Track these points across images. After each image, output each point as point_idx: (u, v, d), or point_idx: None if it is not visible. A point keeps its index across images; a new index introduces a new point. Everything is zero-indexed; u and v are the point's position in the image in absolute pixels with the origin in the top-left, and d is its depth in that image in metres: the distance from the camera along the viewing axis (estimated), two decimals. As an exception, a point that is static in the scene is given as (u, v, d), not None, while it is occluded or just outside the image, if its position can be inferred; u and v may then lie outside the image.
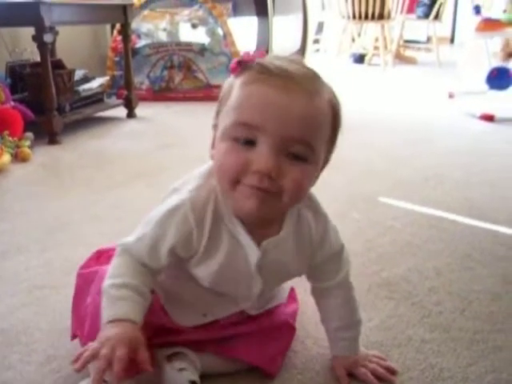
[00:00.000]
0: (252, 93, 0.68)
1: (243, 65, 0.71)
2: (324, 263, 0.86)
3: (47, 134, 2.47)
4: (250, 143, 0.68)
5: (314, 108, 0.69)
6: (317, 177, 0.77)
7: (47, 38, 2.38)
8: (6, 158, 2.10)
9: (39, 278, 1.24)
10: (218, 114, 0.75)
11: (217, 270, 0.78)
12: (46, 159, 2.24)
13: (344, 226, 1.55)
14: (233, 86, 0.71)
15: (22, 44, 2.89)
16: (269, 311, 0.93)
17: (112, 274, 0.76)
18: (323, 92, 0.71)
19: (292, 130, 0.67)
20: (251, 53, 0.73)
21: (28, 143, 2.31)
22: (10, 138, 2.24)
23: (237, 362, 0.88)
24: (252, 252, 0.78)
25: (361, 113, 3.21)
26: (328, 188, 1.84)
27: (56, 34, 2.93)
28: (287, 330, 0.96)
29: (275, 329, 0.92)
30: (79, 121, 2.73)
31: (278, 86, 0.67)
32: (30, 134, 2.39)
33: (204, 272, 0.79)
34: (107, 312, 0.73)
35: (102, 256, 0.97)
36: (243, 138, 0.68)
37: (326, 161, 0.77)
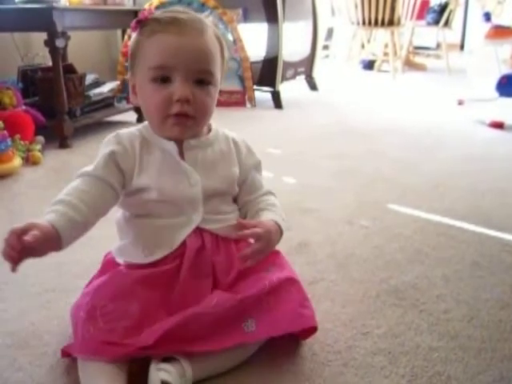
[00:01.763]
0: (157, 42, 0.89)
1: (141, 23, 0.92)
2: (252, 171, 1.05)
3: (58, 137, 2.49)
4: (166, 80, 0.89)
5: (205, 42, 0.90)
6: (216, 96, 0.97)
7: (59, 42, 2.40)
8: (17, 161, 2.12)
9: (49, 282, 1.25)
10: (131, 67, 0.95)
11: (157, 174, 0.93)
12: (56, 163, 2.26)
13: (352, 233, 1.57)
14: (139, 42, 0.92)
15: (34, 48, 2.91)
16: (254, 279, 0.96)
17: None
18: (208, 29, 0.93)
19: (195, 62, 0.89)
20: (145, 12, 0.93)
21: (39, 147, 2.33)
22: (22, 142, 2.26)
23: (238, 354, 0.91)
24: (172, 147, 0.95)
25: (370, 120, 3.22)
26: (337, 195, 1.85)
27: (68, 38, 2.96)
28: (290, 284, 0.97)
29: (276, 291, 0.94)
30: (90, 125, 2.74)
31: (175, 32, 0.88)
32: (40, 138, 2.42)
33: (148, 179, 0.93)
34: None
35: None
36: (160, 77, 0.89)
37: (219, 81, 0.97)
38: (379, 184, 1.99)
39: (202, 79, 0.90)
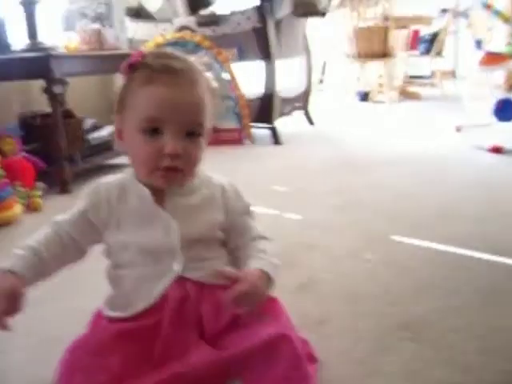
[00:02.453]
0: (149, 93, 0.86)
1: (132, 67, 0.90)
2: (241, 216, 1.01)
3: (58, 183, 2.49)
4: (156, 132, 0.86)
5: (197, 94, 0.89)
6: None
7: (57, 89, 2.42)
8: (18, 208, 2.11)
9: (51, 331, 1.22)
10: (119, 111, 0.92)
11: (133, 226, 0.92)
12: (57, 209, 2.21)
13: (357, 268, 1.55)
14: (129, 89, 0.89)
15: (33, 95, 2.93)
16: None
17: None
18: (201, 79, 0.91)
19: (186, 115, 0.88)
20: (137, 55, 0.91)
21: (39, 193, 2.32)
22: (22, 189, 2.26)
23: None
24: (145, 193, 0.92)
25: (369, 151, 3.22)
26: (341, 229, 1.84)
27: (66, 84, 2.98)
28: (282, 342, 0.83)
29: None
30: (90, 169, 2.75)
31: (168, 83, 0.86)
32: (41, 184, 2.41)
33: (124, 234, 0.92)
34: None
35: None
36: (150, 128, 0.86)
37: (209, 129, 0.95)
38: (382, 216, 1.97)
39: (193, 132, 0.89)
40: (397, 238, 1.74)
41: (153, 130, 0.87)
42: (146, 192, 0.92)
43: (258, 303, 0.89)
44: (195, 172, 0.95)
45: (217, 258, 0.96)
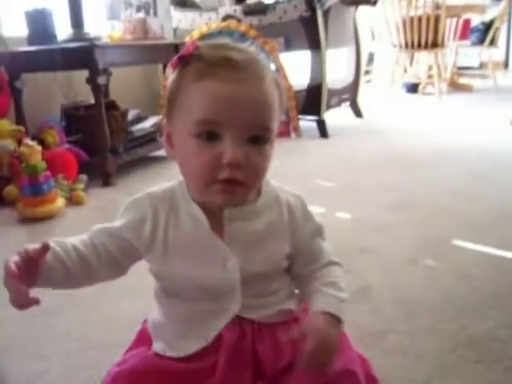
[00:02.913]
0: (205, 89, 0.71)
1: (184, 59, 0.74)
2: (310, 240, 0.84)
3: (101, 175, 2.45)
4: (213, 137, 0.71)
5: (264, 92, 0.73)
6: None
7: (101, 80, 2.37)
8: (61, 202, 2.07)
9: (92, 336, 1.16)
10: (168, 113, 0.77)
11: (184, 255, 0.78)
12: (99, 202, 2.21)
13: (417, 274, 1.44)
14: (181, 85, 0.74)
15: (76, 86, 2.91)
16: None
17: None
18: (267, 74, 0.75)
19: (250, 117, 0.71)
20: (189, 46, 0.75)
21: (82, 186, 2.29)
22: (65, 182, 2.23)
23: None
24: (201, 217, 0.78)
25: (420, 145, 3.08)
26: (395, 230, 1.73)
27: (109, 75, 2.95)
28: (347, 379, 0.76)
29: None
30: (133, 161, 2.70)
31: (228, 79, 0.70)
32: (83, 177, 2.38)
33: (174, 264, 0.78)
34: None
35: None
36: (207, 132, 0.71)
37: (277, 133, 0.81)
38: (440, 217, 1.85)
39: (258, 137, 0.73)
40: (458, 242, 1.62)
41: (209, 135, 0.71)
42: (202, 216, 0.77)
43: (334, 357, 0.74)
44: (258, 186, 0.79)
45: (278, 290, 0.83)
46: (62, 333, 1.20)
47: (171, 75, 0.76)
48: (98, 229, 0.80)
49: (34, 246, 0.70)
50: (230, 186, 0.72)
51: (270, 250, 0.80)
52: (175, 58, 0.75)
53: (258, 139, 0.73)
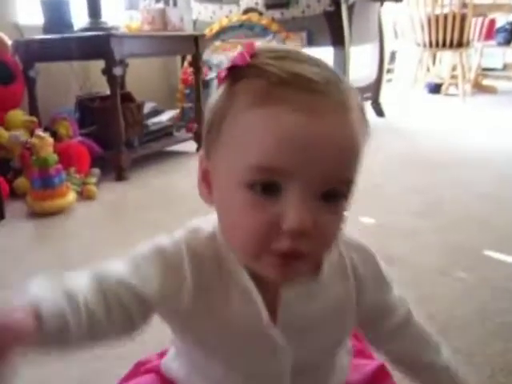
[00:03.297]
0: (268, 121, 0.48)
1: (236, 70, 0.51)
2: (378, 305, 0.65)
3: (115, 169, 2.37)
4: (272, 190, 0.49)
5: (350, 130, 0.50)
6: None
7: (117, 71, 2.30)
8: (72, 196, 1.99)
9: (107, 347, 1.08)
10: (208, 142, 0.54)
11: (224, 334, 0.58)
12: (112, 197, 2.13)
13: (448, 287, 1.33)
14: (230, 108, 0.51)
15: (91, 77, 2.83)
16: None
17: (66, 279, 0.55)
18: (353, 101, 0.51)
19: (330, 167, 0.49)
20: (245, 54, 0.52)
21: (94, 180, 2.21)
22: (77, 175, 2.15)
23: None
24: (256, 299, 0.57)
25: (446, 148, 2.96)
26: (423, 237, 1.62)
27: (126, 66, 2.87)
28: None
29: None
30: (148, 156, 2.62)
31: (303, 108, 0.47)
32: (96, 170, 2.30)
33: (209, 335, 0.59)
34: None
35: (140, 370, 0.73)
36: (263, 184, 0.49)
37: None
38: (470, 225, 1.74)
39: (335, 192, 0.51)
40: (490, 252, 1.51)
41: (267, 187, 0.49)
42: (257, 298, 0.57)
43: None
44: (326, 256, 0.57)
45: (335, 365, 0.67)
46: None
47: (216, 92, 0.54)
48: (110, 274, 0.55)
49: (20, 316, 0.44)
50: (290, 260, 0.50)
51: (332, 335, 0.62)
52: (224, 69, 0.53)
53: (335, 195, 0.51)
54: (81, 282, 0.53)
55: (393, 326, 0.66)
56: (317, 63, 0.51)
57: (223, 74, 0.52)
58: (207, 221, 0.59)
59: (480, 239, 1.60)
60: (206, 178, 0.56)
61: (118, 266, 0.56)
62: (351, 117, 0.50)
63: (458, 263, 1.44)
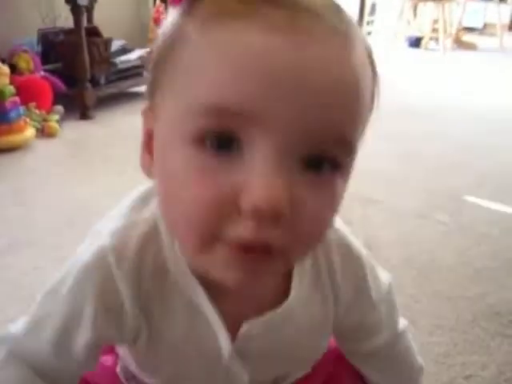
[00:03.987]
0: (226, 43, 0.33)
1: None
2: (361, 322, 0.52)
3: (79, 107, 2.23)
4: (229, 146, 0.33)
5: (352, 70, 0.34)
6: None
7: (81, 0, 2.13)
8: (30, 132, 1.86)
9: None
10: (153, 88, 0.38)
11: (172, 361, 0.46)
12: (75, 136, 2.00)
13: (428, 231, 1.26)
14: (182, 33, 0.35)
15: (56, 10, 2.65)
16: None
17: None
18: (358, 36, 0.36)
19: (316, 115, 0.32)
20: None
21: (57, 117, 2.07)
22: (37, 111, 2.01)
23: None
24: (222, 338, 0.45)
25: (426, 98, 2.88)
26: (402, 182, 1.55)
27: (94, 1, 2.69)
28: None
29: None
30: (115, 95, 2.48)
31: (281, 27, 0.32)
32: (59, 108, 2.16)
33: (154, 364, 0.47)
34: None
35: None
36: (215, 136, 0.33)
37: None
38: (450, 171, 1.67)
39: (326, 157, 0.35)
40: (469, 197, 1.45)
41: (222, 140, 0.33)
42: (210, 315, 0.44)
43: None
44: (315, 247, 0.41)
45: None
46: (14, 275, 1.02)
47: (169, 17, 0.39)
48: (33, 356, 0.45)
49: None
50: (253, 255, 0.34)
51: (300, 354, 0.50)
52: None
53: (322, 161, 0.34)
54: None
55: (371, 348, 0.54)
56: None
57: None
58: (145, 207, 0.45)
59: (460, 185, 1.54)
60: (149, 143, 0.40)
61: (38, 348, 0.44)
62: (354, 53, 0.34)
63: (438, 208, 1.38)
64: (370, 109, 0.38)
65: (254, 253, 0.33)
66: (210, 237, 0.34)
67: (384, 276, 0.53)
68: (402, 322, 0.56)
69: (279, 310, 0.45)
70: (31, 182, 1.52)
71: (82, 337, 0.43)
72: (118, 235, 0.43)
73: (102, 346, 0.46)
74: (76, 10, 2.14)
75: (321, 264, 0.47)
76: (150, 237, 0.43)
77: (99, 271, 0.42)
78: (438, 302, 0.96)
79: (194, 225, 0.34)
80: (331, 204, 0.36)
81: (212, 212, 0.33)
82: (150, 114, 0.39)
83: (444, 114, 2.47)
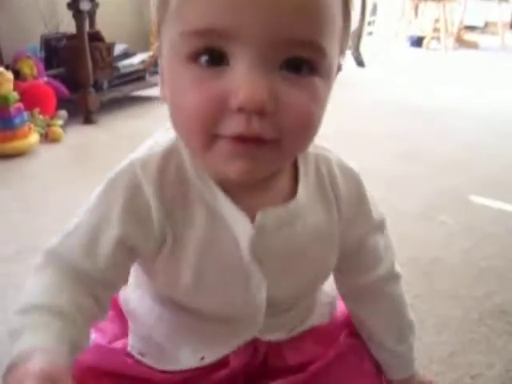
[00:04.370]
0: None
1: None
2: (362, 243, 0.57)
3: (82, 112, 2.24)
4: (217, 61, 0.40)
5: None
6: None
7: (83, 5, 2.14)
8: (34, 138, 1.87)
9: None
10: (159, 26, 0.45)
11: (193, 267, 0.50)
12: (78, 141, 2.01)
13: (432, 231, 1.27)
14: None
15: (58, 15, 2.66)
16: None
17: (23, 297, 0.47)
18: None
19: (285, 24, 0.39)
20: None
21: (60, 122, 2.08)
22: (41, 116, 2.02)
23: None
24: (241, 229, 0.49)
25: (429, 98, 2.88)
26: (406, 182, 1.55)
27: (96, 6, 2.70)
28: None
29: None
30: (117, 99, 2.49)
31: None
32: (63, 113, 2.17)
33: (175, 274, 0.51)
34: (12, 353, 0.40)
35: None
36: (205, 52, 0.40)
37: (339, 67, 0.48)
38: (455, 170, 1.67)
39: (300, 60, 0.41)
40: (475, 197, 1.45)
41: (211, 56, 0.40)
42: (240, 223, 0.49)
43: None
44: (304, 149, 0.49)
45: (311, 305, 0.61)
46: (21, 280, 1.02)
47: None
48: (73, 258, 0.49)
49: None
50: (248, 145, 0.41)
51: (311, 268, 0.54)
52: None
53: (301, 65, 0.41)
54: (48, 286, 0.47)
55: (369, 283, 0.58)
56: None
57: None
58: (166, 133, 0.51)
59: (464, 185, 1.54)
60: (162, 70, 0.46)
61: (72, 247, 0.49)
62: None
63: (442, 208, 1.38)
64: (343, 21, 0.43)
65: (248, 143, 0.40)
66: (210, 136, 0.41)
67: (379, 209, 0.58)
68: (399, 269, 0.61)
69: (289, 205, 0.51)
70: (36, 188, 1.53)
71: (111, 232, 0.48)
72: (144, 151, 0.51)
73: (130, 255, 0.50)
74: (78, 15, 2.15)
75: (323, 174, 0.53)
76: (172, 151, 0.50)
77: (127, 176, 0.49)
78: (444, 302, 0.96)
79: (195, 127, 0.41)
80: (313, 99, 0.42)
81: (208, 113, 0.40)
82: (159, 49, 0.47)
83: (446, 113, 2.47)
